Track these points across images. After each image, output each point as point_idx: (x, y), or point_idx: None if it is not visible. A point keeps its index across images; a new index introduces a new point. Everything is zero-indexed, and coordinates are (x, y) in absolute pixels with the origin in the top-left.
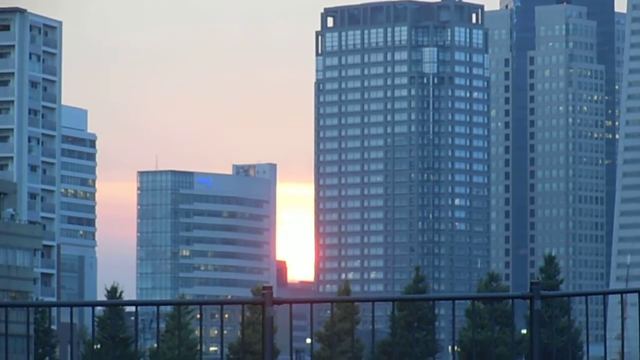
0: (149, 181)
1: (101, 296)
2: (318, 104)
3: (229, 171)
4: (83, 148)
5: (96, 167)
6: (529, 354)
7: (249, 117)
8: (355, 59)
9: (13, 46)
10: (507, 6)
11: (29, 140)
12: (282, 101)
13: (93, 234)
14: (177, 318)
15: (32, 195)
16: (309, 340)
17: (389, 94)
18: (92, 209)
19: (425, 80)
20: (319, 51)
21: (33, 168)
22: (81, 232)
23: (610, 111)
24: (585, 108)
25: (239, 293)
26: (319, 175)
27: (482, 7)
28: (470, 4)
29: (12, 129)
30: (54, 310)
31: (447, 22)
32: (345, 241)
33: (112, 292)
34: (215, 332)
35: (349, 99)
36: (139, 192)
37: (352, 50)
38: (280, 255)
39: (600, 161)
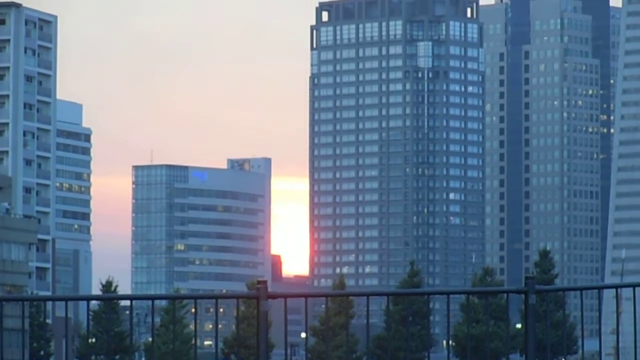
0: (143, 175)
1: (96, 290)
2: (313, 98)
3: (223, 165)
4: (78, 142)
5: (91, 161)
6: (523, 348)
7: (244, 112)
8: (350, 53)
9: (8, 40)
10: (501, 0)
11: (24, 135)
12: (277, 95)
13: (88, 228)
14: (172, 312)
15: (27, 190)
16: (303, 335)
17: (383, 88)
18: (87, 203)
19: (420, 75)
20: (314, 45)
21: (28, 162)
22: (76, 226)
23: (605, 105)
24: (580, 102)
25: (234, 287)
26: (313, 169)
27: (477, 1)
28: None
29: (7, 123)
30: (49, 304)
31: (442, 17)
32: (340, 235)
33: (107, 286)
34: (210, 326)
35: (344, 93)
36: (133, 186)
37: (347, 44)
38: (275, 250)
39: (595, 155)
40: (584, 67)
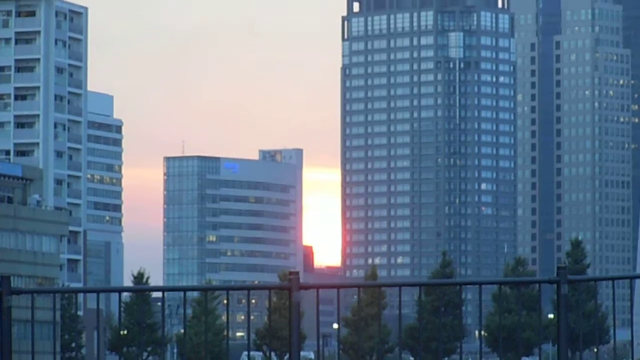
0: (175, 167)
1: (127, 282)
2: (344, 89)
3: (255, 156)
4: (109, 134)
5: (122, 152)
6: (556, 338)
7: (275, 102)
8: (381, 44)
9: (39, 32)
10: None
11: (55, 126)
12: (309, 86)
13: (119, 220)
14: (203, 304)
15: (59, 182)
16: (335, 326)
17: (415, 79)
18: (118, 194)
19: (451, 65)
20: (345, 36)
21: (59, 154)
22: (107, 218)
23: (636, 95)
24: (611, 92)
25: (266, 278)
26: (345, 160)
27: None
28: None
29: (38, 115)
30: (80, 296)
31: (473, 7)
32: (371, 226)
33: (139, 277)
34: (242, 317)
35: (375, 84)
36: (165, 177)
37: (378, 35)
38: (306, 241)
39: (626, 145)
40: (614, 57)
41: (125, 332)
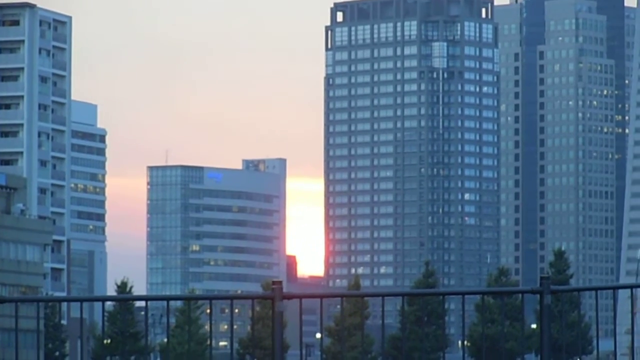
0: (158, 176)
1: (111, 291)
2: (328, 99)
3: (238, 166)
4: (93, 143)
5: (106, 162)
6: (539, 348)
7: (259, 112)
8: (365, 53)
9: (23, 41)
10: (516, 0)
11: (39, 135)
12: (292, 96)
13: (103, 229)
14: (187, 313)
15: (42, 190)
16: (319, 335)
17: (398, 88)
18: (102, 204)
19: (435, 75)
20: (329, 46)
21: (43, 163)
22: (91, 227)
23: (620, 106)
24: (595, 102)
25: (249, 288)
26: (328, 170)
27: (491, 1)
28: None
29: (22, 124)
30: (64, 305)
31: (457, 17)
32: (355, 236)
33: (122, 287)
34: (225, 327)
35: (359, 94)
36: (148, 187)
37: (362, 45)
38: (290, 250)
39: (610, 156)
40: (598, 68)
41: (109, 341)
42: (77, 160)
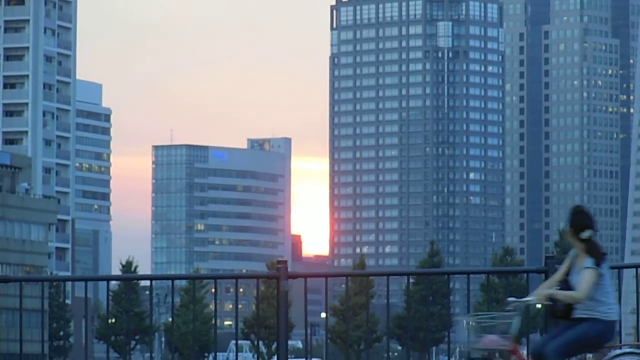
0: (163, 155)
1: (116, 270)
2: (333, 78)
3: (243, 145)
4: (98, 122)
5: (111, 141)
6: (543, 328)
7: (264, 91)
8: (370, 33)
9: (28, 20)
10: None
11: (44, 115)
12: (297, 75)
13: (108, 208)
14: (191, 292)
15: (47, 170)
16: (323, 315)
17: (403, 68)
18: (106, 183)
19: (440, 55)
20: (334, 25)
21: (48, 142)
22: (96, 207)
23: (625, 85)
24: (599, 82)
25: (254, 267)
26: (333, 149)
27: None
28: None
29: (26, 104)
30: (69, 284)
31: None
32: (360, 215)
33: (127, 266)
34: (230, 306)
35: (364, 73)
36: (153, 166)
37: (367, 24)
38: (295, 230)
39: (614, 135)
40: (603, 47)
41: (114, 320)
42: (81, 139)
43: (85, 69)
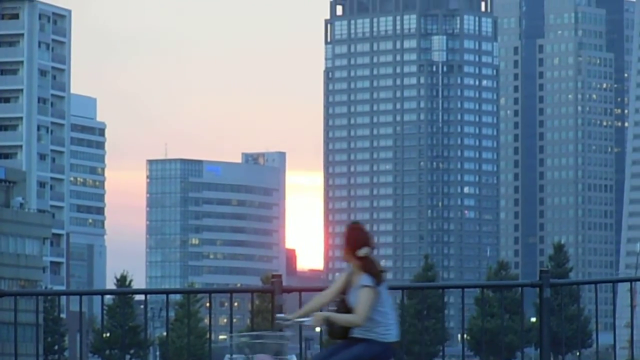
0: (158, 169)
1: (110, 284)
2: (327, 92)
3: (238, 159)
4: (92, 136)
5: (105, 155)
6: (538, 341)
7: (258, 106)
8: (364, 47)
9: (22, 35)
10: None
11: (38, 129)
12: (291, 89)
13: (102, 223)
14: (186, 306)
15: (41, 184)
16: (318, 329)
17: (398, 82)
18: (101, 197)
19: (434, 69)
20: (328, 39)
21: (42, 156)
22: (90, 221)
23: (619, 99)
24: (594, 96)
25: (249, 281)
26: (328, 163)
27: None
28: None
29: (21, 118)
30: (63, 298)
31: (456, 10)
32: None
33: (122, 280)
34: (225, 320)
35: (358, 87)
36: (148, 180)
37: (361, 38)
38: (289, 244)
39: (609, 149)
40: (598, 61)
41: (108, 334)
42: (76, 153)
43: (80, 83)
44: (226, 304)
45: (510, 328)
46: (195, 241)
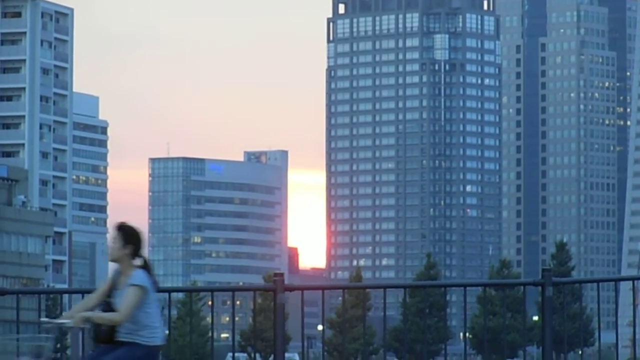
0: (160, 168)
1: None
2: (329, 91)
3: (240, 158)
4: (94, 135)
5: (107, 153)
6: (540, 340)
7: (261, 104)
8: (366, 45)
9: (24, 33)
10: None
11: (41, 127)
12: (294, 88)
13: (104, 221)
14: (188, 305)
15: (44, 182)
16: (320, 327)
17: (400, 80)
18: (103, 195)
19: (436, 67)
20: (331, 38)
21: (44, 155)
22: (93, 219)
23: (621, 98)
24: (596, 95)
25: (251, 280)
26: (330, 162)
27: None
28: None
29: (23, 116)
30: (65, 297)
31: (459, 9)
32: (356, 228)
33: None
34: (227, 318)
35: (361, 86)
36: (150, 178)
37: (364, 37)
38: (291, 242)
39: (611, 148)
40: (600, 60)
41: None
42: (78, 152)
43: (82, 81)
44: (228, 303)
45: (513, 326)
46: (197, 239)
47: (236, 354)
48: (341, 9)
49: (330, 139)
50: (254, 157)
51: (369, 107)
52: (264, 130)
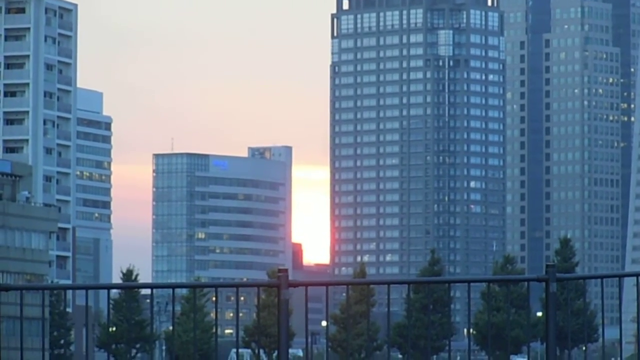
0: (164, 164)
1: (116, 279)
2: (333, 87)
3: (244, 154)
4: (98, 130)
5: (111, 149)
6: (544, 336)
7: (265, 100)
8: (370, 41)
9: (28, 29)
10: None
11: (44, 123)
12: (298, 84)
13: (108, 217)
14: (192, 301)
15: (48, 178)
16: (324, 323)
17: (404, 76)
18: (107, 191)
19: (440, 63)
20: (335, 34)
21: (48, 151)
22: (96, 215)
23: (625, 94)
24: (600, 91)
25: (255, 276)
26: (334, 157)
27: None
28: None
29: (27, 112)
30: (69, 293)
31: (463, 5)
32: (360, 224)
33: (128, 274)
34: (231, 314)
35: (365, 82)
36: (154, 174)
37: (368, 32)
38: (295, 238)
39: (615, 144)
40: (604, 56)
41: (114, 329)
42: (82, 147)
43: (86, 77)
44: (232, 298)
45: (516, 322)
46: (201, 235)
47: (240, 350)
48: (345, 5)
49: (334, 135)
50: (258, 153)
51: (373, 103)
52: (268, 126)
